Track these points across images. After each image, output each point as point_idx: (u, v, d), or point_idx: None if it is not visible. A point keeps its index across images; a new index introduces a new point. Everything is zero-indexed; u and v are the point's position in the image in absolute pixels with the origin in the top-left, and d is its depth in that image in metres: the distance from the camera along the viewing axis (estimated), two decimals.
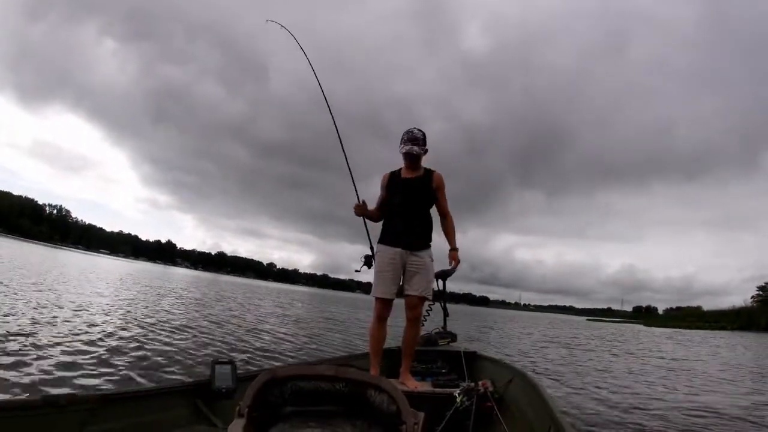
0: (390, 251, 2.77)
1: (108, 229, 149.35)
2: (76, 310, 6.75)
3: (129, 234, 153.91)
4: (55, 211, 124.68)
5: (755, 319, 36.19)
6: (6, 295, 7.04)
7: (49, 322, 5.34)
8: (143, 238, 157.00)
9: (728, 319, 39.25)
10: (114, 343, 4.77)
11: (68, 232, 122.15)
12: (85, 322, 5.77)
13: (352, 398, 0.89)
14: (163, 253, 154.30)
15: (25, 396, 2.69)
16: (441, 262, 2.94)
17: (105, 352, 4.28)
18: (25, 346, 3.98)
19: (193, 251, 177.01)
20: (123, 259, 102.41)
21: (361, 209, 2.95)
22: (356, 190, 3.07)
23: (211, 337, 6.31)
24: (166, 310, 8.88)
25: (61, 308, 6.69)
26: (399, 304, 2.86)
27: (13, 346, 3.91)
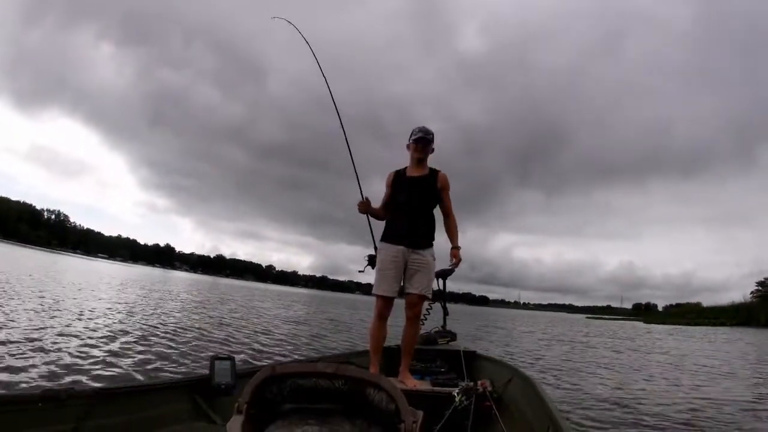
0: (392, 249, 2.77)
1: (106, 233, 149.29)
2: (77, 313, 6.74)
3: (127, 238, 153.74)
4: (53, 216, 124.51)
5: (755, 315, 36.20)
6: (7, 299, 7.02)
7: (50, 325, 5.33)
8: (141, 242, 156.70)
9: (728, 315, 39.24)
10: (115, 343, 4.80)
11: (66, 237, 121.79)
12: (85, 324, 5.77)
13: (351, 396, 0.89)
14: (162, 256, 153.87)
15: (24, 390, 2.70)
16: (443, 262, 2.95)
17: (106, 351, 4.32)
18: (27, 346, 4.01)
19: (191, 254, 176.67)
20: (121, 263, 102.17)
21: (364, 206, 2.94)
22: (360, 187, 3.06)
23: (211, 337, 6.33)
24: (166, 312, 8.87)
25: (61, 311, 6.68)
26: (398, 303, 2.87)
27: (15, 346, 3.94)
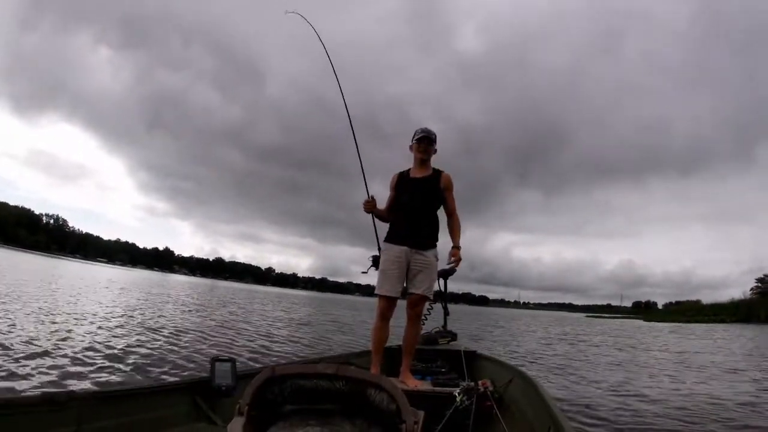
0: (396, 249, 2.78)
1: (105, 237, 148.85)
2: (76, 317, 6.72)
3: (126, 242, 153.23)
4: (51, 221, 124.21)
5: (755, 311, 36.28)
6: (8, 303, 7.01)
7: (50, 329, 5.32)
8: (141, 246, 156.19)
9: (728, 312, 39.34)
10: (115, 346, 4.80)
11: (65, 242, 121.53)
12: (86, 328, 5.76)
13: (351, 397, 0.89)
14: (161, 260, 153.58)
15: (24, 393, 2.70)
16: (445, 262, 2.95)
17: (106, 354, 4.33)
18: (28, 350, 4.01)
19: (190, 258, 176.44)
20: (121, 267, 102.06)
21: (370, 205, 2.93)
22: (366, 186, 3.03)
23: (211, 338, 6.32)
24: (165, 315, 8.86)
25: (61, 315, 6.67)
26: (399, 304, 2.87)
27: (15, 350, 3.95)
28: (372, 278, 2.89)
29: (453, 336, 3.88)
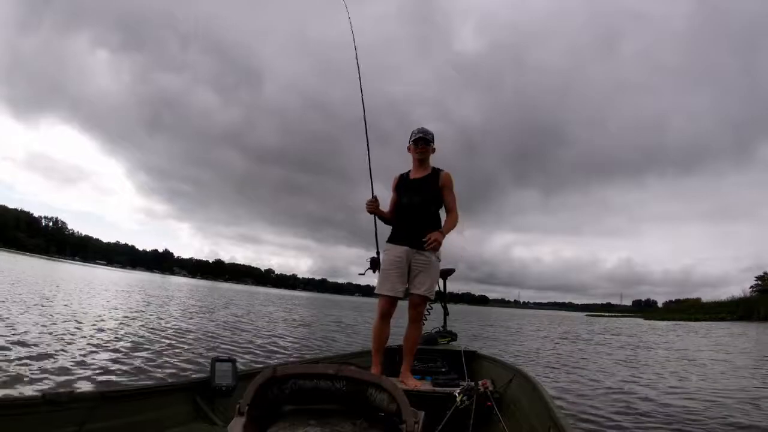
0: (396, 249, 2.80)
1: (104, 240, 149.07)
2: (76, 319, 6.71)
3: (125, 244, 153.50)
4: (51, 224, 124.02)
5: (755, 309, 36.25)
6: (9, 305, 7.00)
7: (51, 330, 5.31)
8: (140, 248, 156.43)
9: (728, 310, 39.27)
10: (115, 347, 4.80)
11: (65, 244, 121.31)
12: (86, 329, 5.75)
13: (352, 397, 0.89)
14: (161, 262, 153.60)
15: (26, 393, 2.70)
16: (447, 262, 2.95)
17: (107, 355, 4.34)
18: (29, 351, 4.02)
19: (190, 260, 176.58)
20: (120, 269, 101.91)
21: (373, 205, 2.92)
22: (372, 185, 2.99)
23: (211, 339, 6.32)
24: (165, 317, 8.84)
25: (61, 317, 6.65)
26: (400, 305, 2.86)
27: (16, 351, 3.96)
28: (372, 279, 2.90)
29: (453, 336, 3.89)
